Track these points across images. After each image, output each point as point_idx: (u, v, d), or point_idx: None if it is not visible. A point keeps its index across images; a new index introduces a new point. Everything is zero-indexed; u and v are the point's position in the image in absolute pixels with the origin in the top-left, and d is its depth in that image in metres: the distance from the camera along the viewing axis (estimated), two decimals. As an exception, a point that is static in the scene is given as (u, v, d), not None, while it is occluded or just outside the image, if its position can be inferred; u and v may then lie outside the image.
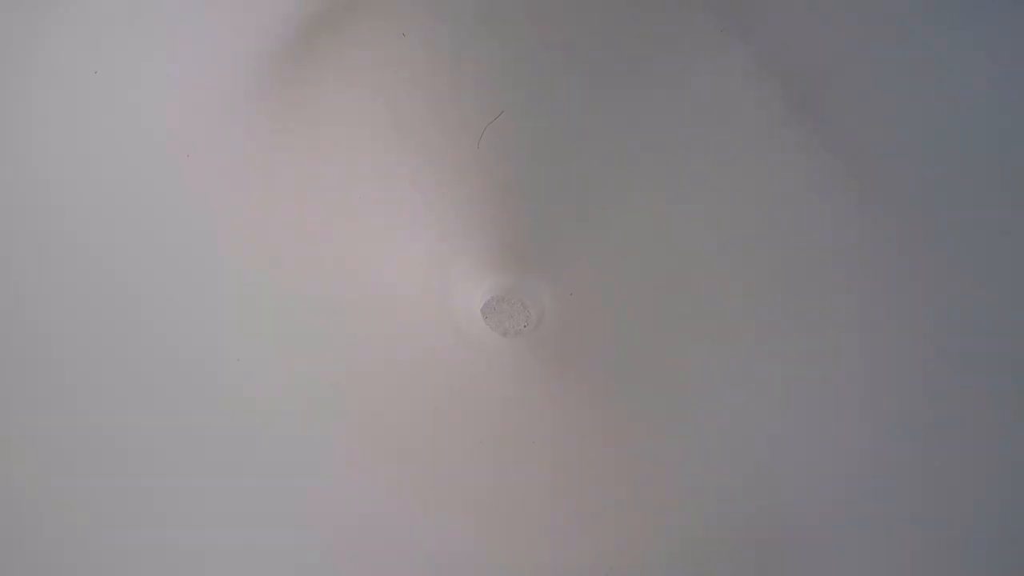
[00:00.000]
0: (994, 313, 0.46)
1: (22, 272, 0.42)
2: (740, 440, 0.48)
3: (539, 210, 0.51)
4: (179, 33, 0.54)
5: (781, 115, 0.54)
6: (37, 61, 0.49)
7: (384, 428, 0.48)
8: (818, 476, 0.46)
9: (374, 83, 0.54)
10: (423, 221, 0.50)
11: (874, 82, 0.54)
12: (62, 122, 0.50)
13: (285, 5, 0.54)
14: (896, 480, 0.46)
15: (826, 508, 0.45)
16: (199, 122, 0.54)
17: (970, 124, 0.50)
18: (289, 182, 0.53)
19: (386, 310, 0.51)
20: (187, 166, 0.52)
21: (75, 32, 0.50)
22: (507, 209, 0.50)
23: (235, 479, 0.46)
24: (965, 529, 0.44)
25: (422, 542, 0.45)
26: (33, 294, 0.43)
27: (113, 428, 0.44)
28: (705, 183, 0.53)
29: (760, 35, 0.54)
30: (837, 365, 0.49)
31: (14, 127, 0.45)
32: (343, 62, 0.55)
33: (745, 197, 0.53)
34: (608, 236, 0.50)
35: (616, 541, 0.46)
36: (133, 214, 0.51)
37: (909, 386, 0.47)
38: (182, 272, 0.50)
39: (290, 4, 0.54)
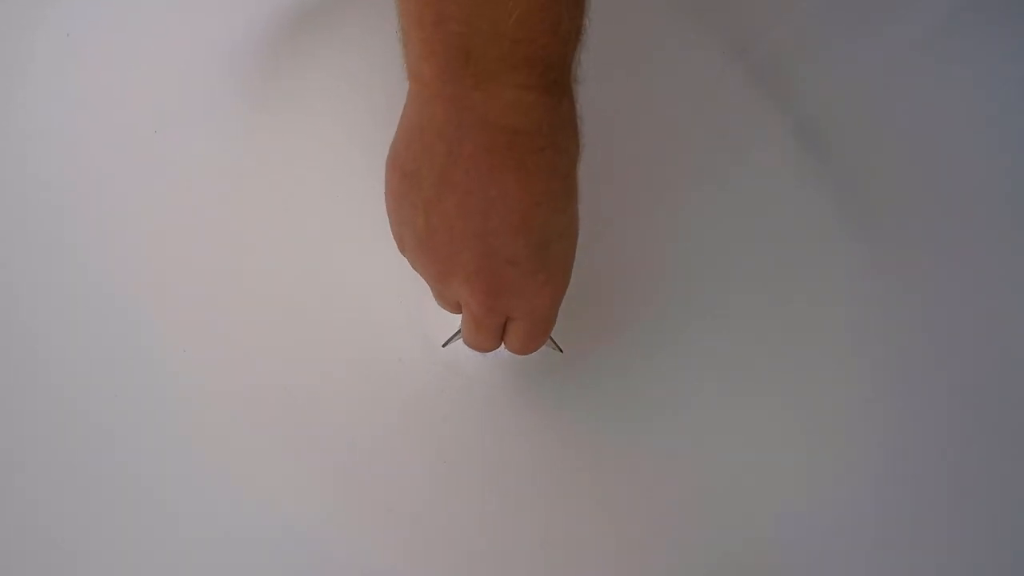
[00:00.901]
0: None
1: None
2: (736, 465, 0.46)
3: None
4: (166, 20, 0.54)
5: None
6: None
7: (341, 444, 0.46)
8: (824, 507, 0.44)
9: (362, 82, 0.53)
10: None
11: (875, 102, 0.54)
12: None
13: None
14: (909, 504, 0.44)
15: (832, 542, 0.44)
16: (174, 111, 0.52)
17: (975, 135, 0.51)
18: (264, 179, 0.52)
19: (356, 318, 0.49)
20: (156, 155, 0.51)
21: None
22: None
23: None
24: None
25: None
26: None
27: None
28: (700, 204, 0.52)
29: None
30: (840, 392, 0.47)
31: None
32: (330, 59, 0.54)
33: (741, 224, 0.52)
34: (598, 247, 0.47)
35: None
36: (97, 202, 0.50)
37: (921, 413, 0.46)
38: (136, 268, 0.49)
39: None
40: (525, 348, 0.40)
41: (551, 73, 0.31)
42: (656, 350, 0.48)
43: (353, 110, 0.52)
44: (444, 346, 0.46)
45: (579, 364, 0.47)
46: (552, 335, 0.42)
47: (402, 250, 0.38)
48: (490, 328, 0.38)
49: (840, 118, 0.54)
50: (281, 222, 0.51)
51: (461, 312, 0.40)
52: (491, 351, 0.42)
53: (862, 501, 0.45)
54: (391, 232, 0.37)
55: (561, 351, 0.45)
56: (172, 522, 0.42)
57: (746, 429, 0.46)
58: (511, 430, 0.46)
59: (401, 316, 0.48)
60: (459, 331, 0.44)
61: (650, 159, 0.53)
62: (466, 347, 0.42)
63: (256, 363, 0.47)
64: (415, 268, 0.38)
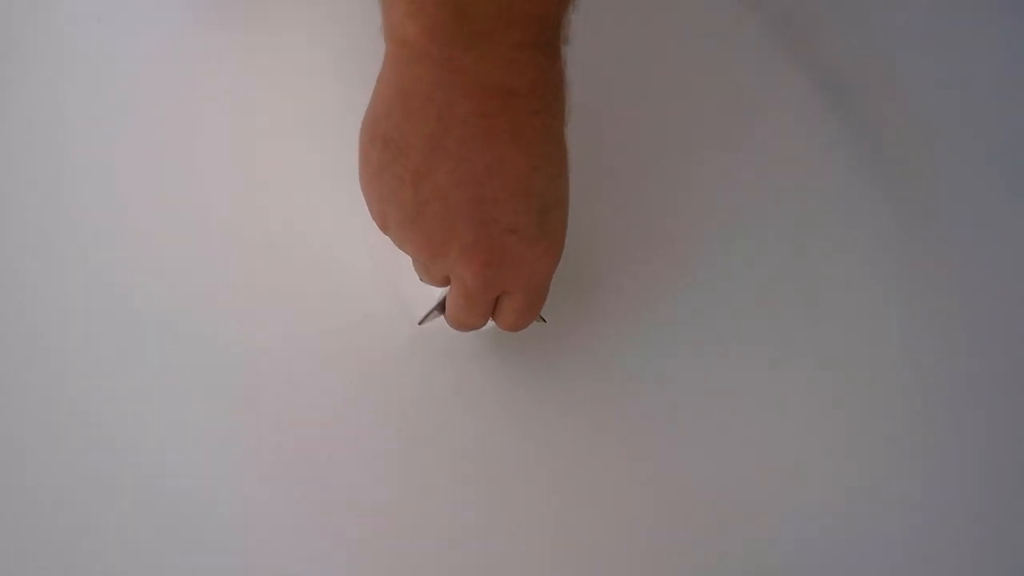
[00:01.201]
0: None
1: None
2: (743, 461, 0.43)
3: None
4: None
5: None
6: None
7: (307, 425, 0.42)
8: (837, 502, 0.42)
9: (345, 45, 0.48)
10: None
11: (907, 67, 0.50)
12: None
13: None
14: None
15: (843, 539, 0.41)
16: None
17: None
18: (241, 142, 0.48)
19: (331, 291, 0.45)
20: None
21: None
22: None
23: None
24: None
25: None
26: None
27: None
28: (716, 169, 0.48)
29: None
30: (861, 379, 0.44)
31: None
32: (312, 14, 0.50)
33: (764, 189, 0.48)
34: (597, 215, 0.44)
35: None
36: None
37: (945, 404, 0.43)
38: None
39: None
40: (518, 323, 0.38)
41: (546, 32, 0.30)
42: (652, 322, 0.45)
43: (334, 73, 0.48)
44: (420, 324, 0.42)
45: (564, 336, 0.44)
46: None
47: (384, 228, 0.35)
48: (483, 304, 0.37)
49: (865, 73, 0.50)
50: (240, 165, 0.47)
51: (447, 285, 0.38)
52: (477, 329, 0.39)
53: (877, 489, 0.42)
54: (369, 210, 0.34)
55: (544, 321, 0.42)
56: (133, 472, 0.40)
57: (745, 406, 0.44)
58: (491, 402, 0.44)
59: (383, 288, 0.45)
60: (437, 307, 0.41)
61: (657, 118, 0.49)
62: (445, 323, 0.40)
63: (214, 323, 0.44)
64: (402, 247, 0.35)
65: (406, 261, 0.38)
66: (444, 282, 0.38)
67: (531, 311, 0.38)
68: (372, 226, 0.35)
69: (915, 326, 0.45)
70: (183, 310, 0.43)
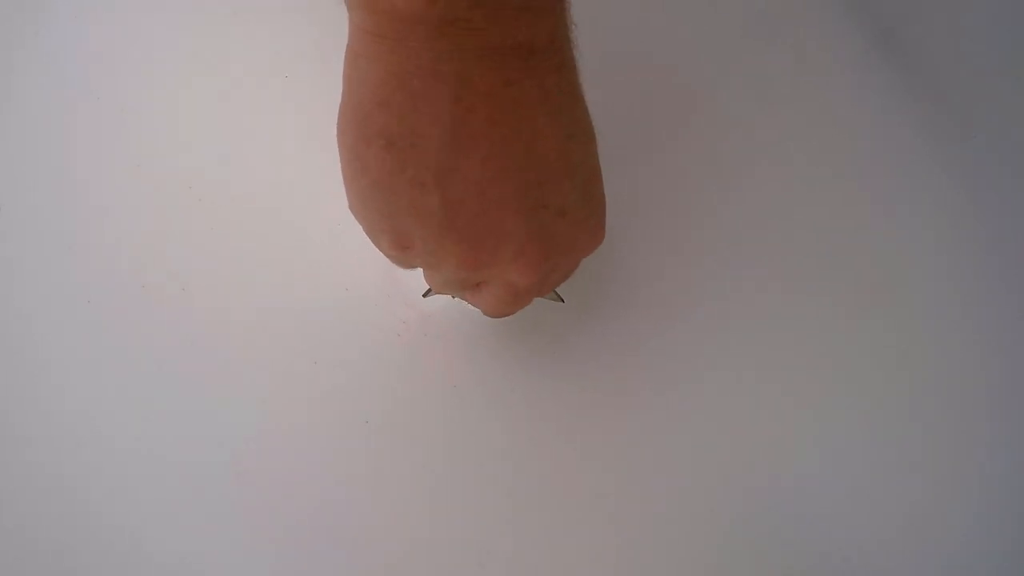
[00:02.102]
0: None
1: None
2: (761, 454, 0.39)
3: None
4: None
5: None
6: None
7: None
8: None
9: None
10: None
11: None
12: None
13: None
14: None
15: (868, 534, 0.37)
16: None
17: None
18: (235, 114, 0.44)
19: (322, 271, 0.41)
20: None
21: None
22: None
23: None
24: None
25: None
26: None
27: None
28: (757, 128, 0.43)
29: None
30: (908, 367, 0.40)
31: None
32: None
33: (806, 148, 0.43)
34: (621, 189, 0.40)
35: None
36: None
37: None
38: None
39: None
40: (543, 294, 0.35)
41: None
42: (673, 306, 0.41)
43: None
44: (425, 296, 0.38)
45: (580, 317, 0.40)
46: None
47: (401, 249, 0.28)
48: (532, 297, 0.32)
49: (926, 25, 0.44)
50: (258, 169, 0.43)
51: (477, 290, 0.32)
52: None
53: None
54: (371, 232, 0.28)
55: (562, 301, 0.38)
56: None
57: (773, 395, 0.40)
58: (496, 388, 0.40)
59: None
60: None
61: (697, 75, 0.43)
62: (452, 306, 0.36)
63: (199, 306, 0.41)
64: (436, 265, 0.29)
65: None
66: (476, 288, 0.32)
67: (557, 285, 0.34)
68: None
69: (984, 317, 0.40)
70: (171, 290, 0.40)
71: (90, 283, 0.40)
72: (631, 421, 0.39)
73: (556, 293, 0.37)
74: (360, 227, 0.30)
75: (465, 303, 0.42)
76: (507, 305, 0.32)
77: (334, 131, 0.27)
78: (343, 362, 0.39)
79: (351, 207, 0.28)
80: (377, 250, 0.39)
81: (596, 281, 0.40)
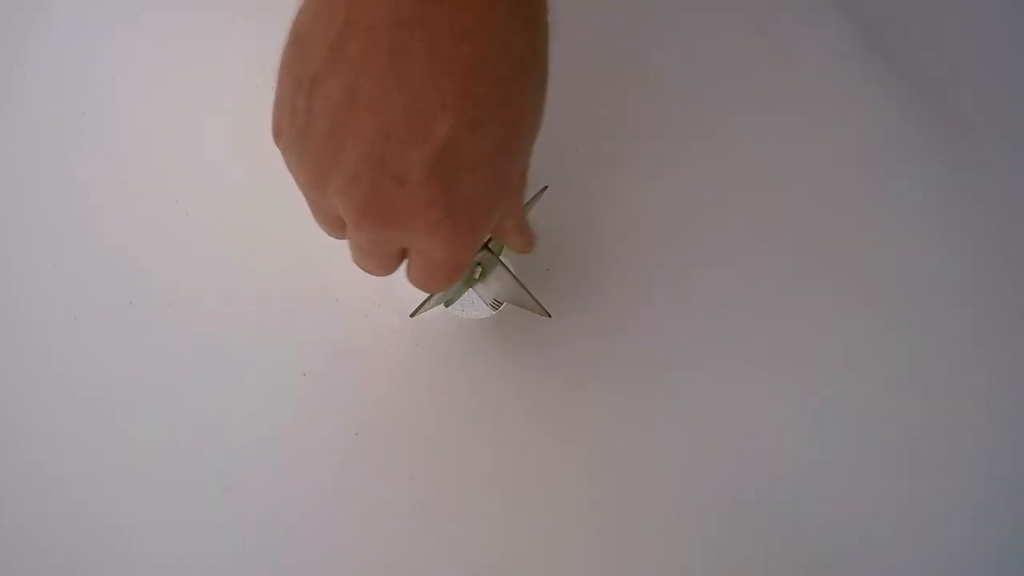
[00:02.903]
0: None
1: None
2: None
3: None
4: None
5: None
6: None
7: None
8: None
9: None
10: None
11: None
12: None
13: None
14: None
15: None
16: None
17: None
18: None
19: (309, 285, 0.41)
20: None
21: None
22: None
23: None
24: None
25: None
26: None
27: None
28: (745, 128, 0.42)
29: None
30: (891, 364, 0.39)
31: None
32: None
33: (796, 149, 0.42)
34: (600, 189, 0.40)
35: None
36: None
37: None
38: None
39: None
40: (423, 286, 0.31)
41: None
42: (663, 317, 0.40)
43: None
44: (413, 316, 0.38)
45: (583, 335, 0.40)
46: (539, 299, 0.36)
47: (277, 139, 0.28)
48: (373, 256, 0.30)
49: (921, 24, 0.43)
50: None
51: (344, 236, 0.31)
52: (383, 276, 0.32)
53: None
54: (272, 114, 0.29)
55: (549, 316, 0.37)
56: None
57: (756, 397, 0.39)
58: (486, 400, 0.40)
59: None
60: (429, 298, 0.36)
61: (681, 69, 0.43)
62: (438, 310, 0.35)
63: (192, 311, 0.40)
64: (287, 164, 0.29)
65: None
66: (339, 229, 0.30)
67: (435, 280, 0.30)
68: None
69: (983, 317, 0.40)
70: (159, 304, 0.40)
71: (76, 298, 0.40)
72: (622, 430, 0.39)
73: (543, 307, 0.37)
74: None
75: (455, 315, 0.41)
76: (354, 250, 0.30)
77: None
78: (333, 373, 0.39)
79: None
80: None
81: (584, 292, 0.40)
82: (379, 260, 0.30)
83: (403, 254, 0.30)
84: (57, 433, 0.38)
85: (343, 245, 0.40)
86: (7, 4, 0.44)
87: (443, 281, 0.30)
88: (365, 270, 0.31)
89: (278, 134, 0.28)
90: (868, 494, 0.38)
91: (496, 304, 0.43)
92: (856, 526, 0.37)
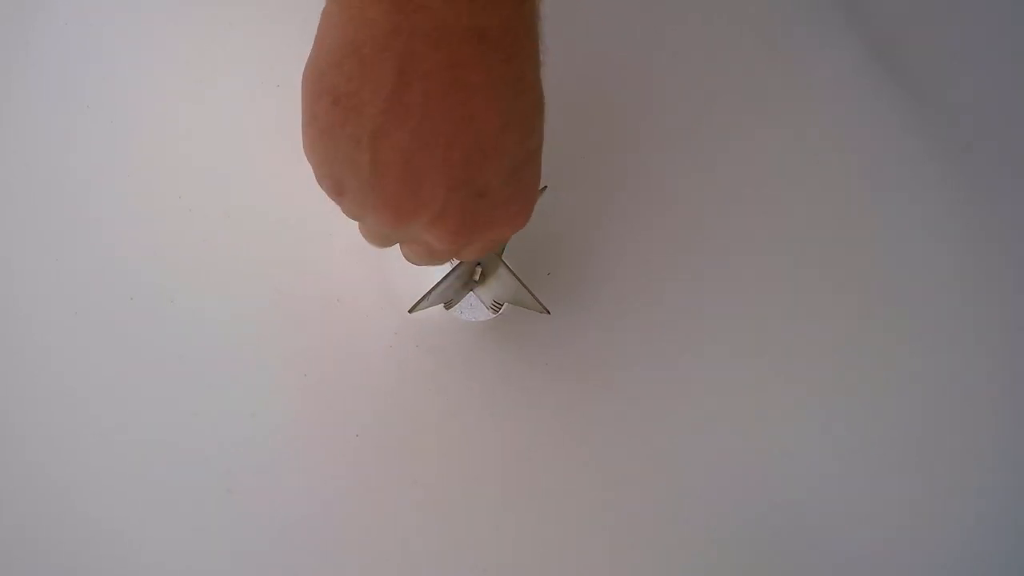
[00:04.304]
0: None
1: None
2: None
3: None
4: None
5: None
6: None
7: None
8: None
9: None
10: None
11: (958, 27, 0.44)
12: None
13: None
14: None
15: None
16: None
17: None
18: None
19: (311, 279, 0.41)
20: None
21: None
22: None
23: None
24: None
25: None
26: None
27: None
28: (751, 137, 0.42)
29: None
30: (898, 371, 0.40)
31: None
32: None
33: (802, 158, 0.42)
34: (607, 194, 0.40)
35: None
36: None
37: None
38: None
39: None
40: (472, 258, 0.35)
41: None
42: (662, 316, 0.41)
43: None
44: (411, 312, 0.38)
45: (587, 337, 0.40)
46: (538, 296, 0.37)
47: (337, 195, 0.30)
48: (446, 259, 0.35)
49: (924, 39, 0.44)
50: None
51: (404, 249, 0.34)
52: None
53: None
54: (316, 174, 0.30)
55: (548, 312, 0.38)
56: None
57: (757, 398, 0.40)
58: (484, 399, 0.40)
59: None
60: (428, 294, 0.37)
61: (683, 78, 0.43)
62: (438, 312, 0.35)
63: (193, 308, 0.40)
64: (359, 215, 0.31)
65: (392, 250, 0.33)
66: (395, 243, 0.34)
67: (487, 251, 0.34)
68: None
69: (983, 322, 0.40)
70: (160, 302, 0.40)
71: (78, 294, 0.40)
72: (624, 431, 0.39)
73: (542, 304, 0.37)
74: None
75: (455, 314, 0.41)
76: (419, 257, 0.34)
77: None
78: (334, 373, 0.39)
79: (304, 149, 0.30)
80: (370, 262, 0.39)
81: (584, 292, 0.40)
82: (445, 261, 0.34)
83: None
84: (56, 431, 0.38)
85: (342, 245, 0.40)
86: (7, 4, 0.44)
87: (495, 249, 0.35)
88: (420, 265, 0.35)
89: (340, 192, 0.30)
90: (870, 495, 0.38)
91: (496, 307, 0.43)
92: (857, 527, 0.38)
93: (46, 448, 0.37)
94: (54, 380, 0.39)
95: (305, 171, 0.39)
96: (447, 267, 0.39)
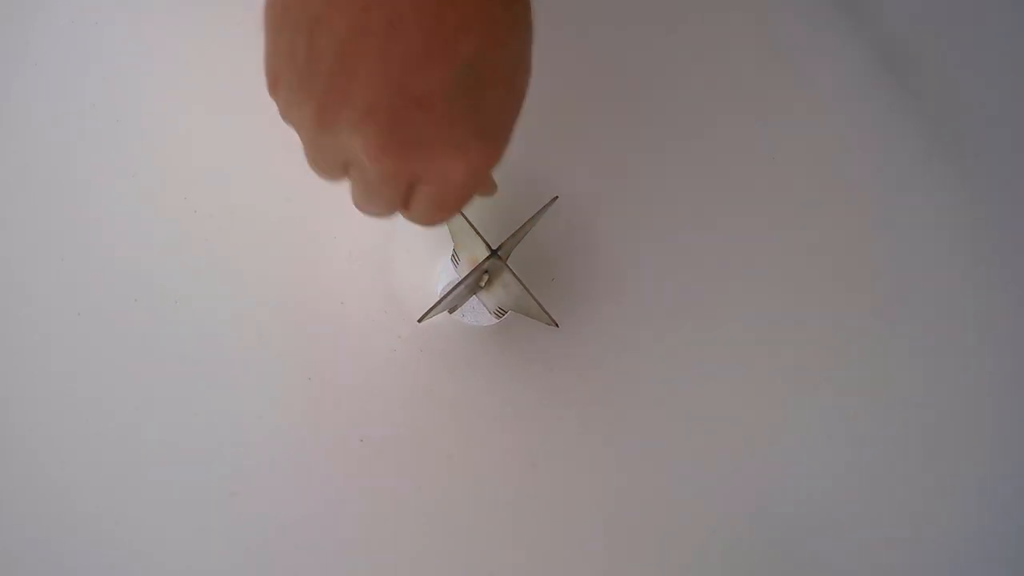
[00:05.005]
0: None
1: None
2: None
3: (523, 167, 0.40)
4: None
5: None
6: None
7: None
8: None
9: None
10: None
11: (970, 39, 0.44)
12: None
13: None
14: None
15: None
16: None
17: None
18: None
19: (319, 287, 0.41)
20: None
21: None
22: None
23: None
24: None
25: None
26: None
27: None
28: (757, 142, 0.42)
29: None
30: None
31: None
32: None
33: (807, 163, 0.42)
34: (608, 200, 0.40)
35: None
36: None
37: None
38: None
39: None
40: (427, 220, 0.30)
41: None
42: (667, 327, 0.41)
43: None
44: (420, 321, 0.38)
45: (592, 346, 0.40)
46: (546, 307, 0.36)
47: (274, 90, 0.27)
48: (386, 194, 0.29)
49: (927, 41, 0.44)
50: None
51: (344, 179, 0.29)
52: (387, 217, 0.31)
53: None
54: (264, 67, 0.27)
55: (556, 325, 0.38)
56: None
57: (767, 408, 0.40)
58: (491, 408, 0.40)
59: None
60: (438, 303, 0.36)
61: (695, 84, 0.43)
62: (444, 317, 0.34)
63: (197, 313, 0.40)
64: (288, 115, 0.28)
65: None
66: (339, 173, 0.29)
67: (446, 208, 0.29)
68: (364, 220, 0.30)
69: (984, 324, 0.40)
70: (164, 303, 0.40)
71: (81, 295, 0.40)
72: (628, 436, 0.39)
73: (550, 316, 0.37)
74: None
75: (461, 320, 0.41)
76: (359, 193, 0.30)
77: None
78: (338, 378, 0.39)
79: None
80: (375, 265, 0.39)
81: (590, 301, 0.40)
82: (389, 197, 0.29)
83: (411, 190, 0.29)
84: (59, 432, 0.38)
85: (347, 248, 0.40)
86: (7, 4, 0.44)
87: (454, 207, 0.29)
88: (368, 212, 0.30)
89: (275, 83, 0.27)
90: (872, 495, 0.38)
91: (500, 312, 0.43)
92: (857, 526, 0.38)
93: (48, 448, 0.37)
94: (57, 381, 0.38)
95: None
96: (455, 275, 0.39)
